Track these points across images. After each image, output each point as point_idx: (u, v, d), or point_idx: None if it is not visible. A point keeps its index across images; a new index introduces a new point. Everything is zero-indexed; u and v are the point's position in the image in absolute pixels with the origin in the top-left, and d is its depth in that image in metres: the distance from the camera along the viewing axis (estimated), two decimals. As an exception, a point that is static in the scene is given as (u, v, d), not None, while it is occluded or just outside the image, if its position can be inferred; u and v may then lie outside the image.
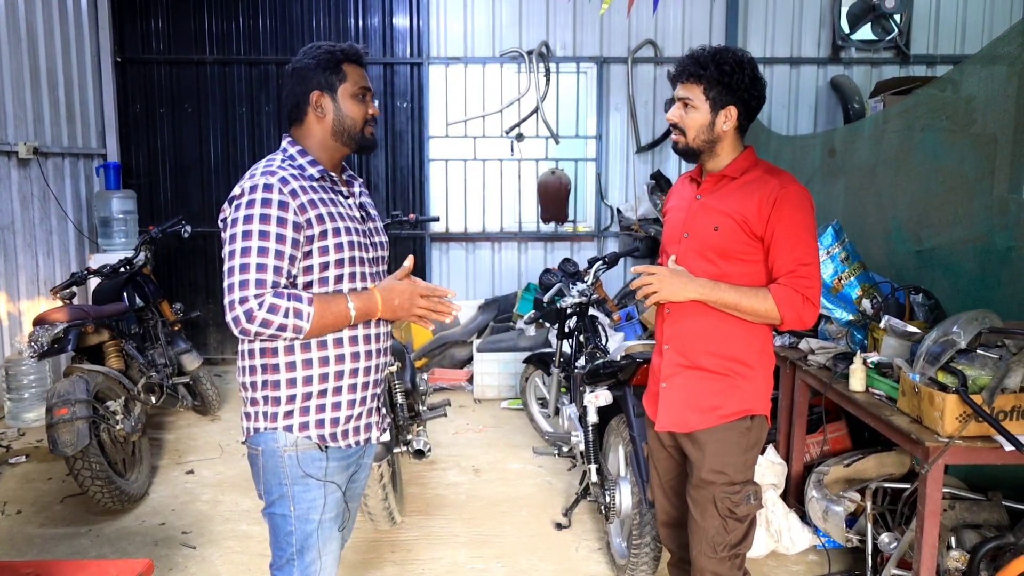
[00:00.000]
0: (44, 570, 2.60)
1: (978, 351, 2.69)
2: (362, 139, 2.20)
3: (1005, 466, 2.75)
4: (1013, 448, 2.51)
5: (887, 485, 3.27)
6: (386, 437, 3.43)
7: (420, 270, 7.44)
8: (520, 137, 7.38)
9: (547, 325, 5.79)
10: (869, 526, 3.18)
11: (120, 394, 4.29)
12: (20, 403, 5.46)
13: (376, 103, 2.25)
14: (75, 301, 4.72)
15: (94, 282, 5.31)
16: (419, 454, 3.83)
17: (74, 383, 3.95)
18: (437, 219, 5.26)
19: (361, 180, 2.35)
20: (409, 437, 3.85)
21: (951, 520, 2.88)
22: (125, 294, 5.03)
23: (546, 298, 4.71)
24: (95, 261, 5.93)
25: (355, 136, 2.19)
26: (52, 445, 3.75)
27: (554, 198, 7.35)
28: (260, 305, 1.94)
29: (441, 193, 7.51)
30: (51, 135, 6.34)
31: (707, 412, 2.44)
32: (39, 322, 4.23)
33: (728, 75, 2.32)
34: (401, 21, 7.28)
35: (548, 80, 7.28)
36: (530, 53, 7.22)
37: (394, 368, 3.82)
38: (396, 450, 3.74)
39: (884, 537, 3.10)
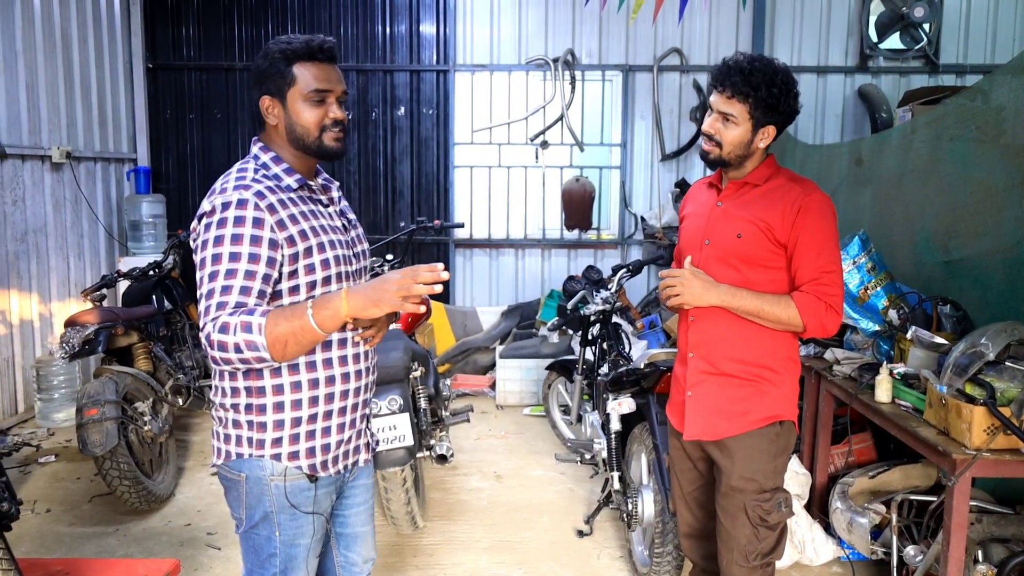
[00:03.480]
0: (74, 568, 2.64)
1: (1007, 363, 2.67)
2: (319, 148, 1.96)
3: (1034, 480, 2.72)
4: (1042, 462, 2.48)
5: (913, 497, 3.24)
6: (404, 450, 3.45)
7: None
8: (545, 144, 7.40)
9: (570, 332, 5.79)
10: (894, 538, 3.15)
11: (148, 395, 4.35)
12: (50, 403, 5.54)
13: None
14: (105, 303, 4.79)
15: (124, 285, 5.39)
16: (442, 459, 3.86)
17: (104, 384, 4.01)
18: (462, 225, 5.28)
19: (338, 184, 2.14)
20: (432, 442, 3.88)
21: (978, 534, 2.85)
22: (154, 297, 5.09)
23: (570, 305, 4.72)
24: (125, 264, 6.02)
25: (310, 145, 1.95)
26: (82, 445, 3.81)
27: (578, 205, 7.36)
28: (215, 327, 1.73)
29: (466, 199, 7.55)
30: (84, 140, 6.46)
31: (735, 418, 2.43)
32: (70, 323, 4.31)
33: (776, 97, 2.29)
34: (428, 29, 7.34)
35: (573, 88, 7.30)
36: (556, 61, 7.24)
37: (418, 373, 3.85)
38: (419, 455, 3.77)
39: (910, 550, 3.07)
